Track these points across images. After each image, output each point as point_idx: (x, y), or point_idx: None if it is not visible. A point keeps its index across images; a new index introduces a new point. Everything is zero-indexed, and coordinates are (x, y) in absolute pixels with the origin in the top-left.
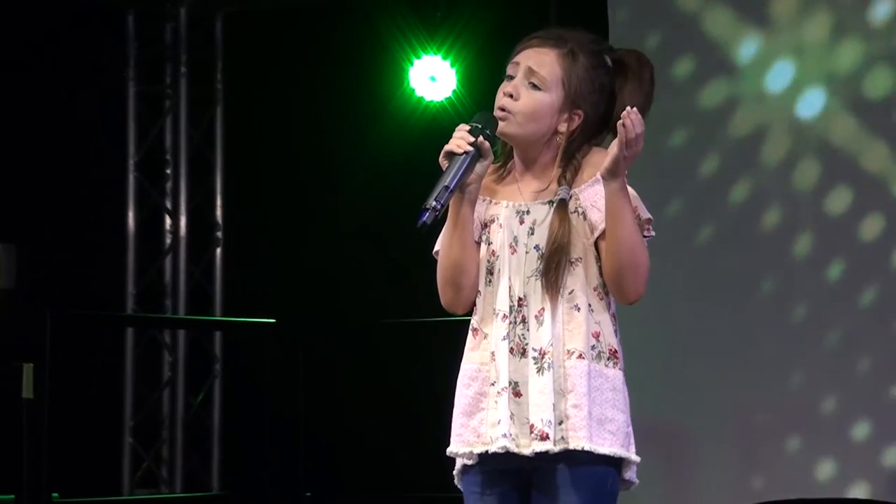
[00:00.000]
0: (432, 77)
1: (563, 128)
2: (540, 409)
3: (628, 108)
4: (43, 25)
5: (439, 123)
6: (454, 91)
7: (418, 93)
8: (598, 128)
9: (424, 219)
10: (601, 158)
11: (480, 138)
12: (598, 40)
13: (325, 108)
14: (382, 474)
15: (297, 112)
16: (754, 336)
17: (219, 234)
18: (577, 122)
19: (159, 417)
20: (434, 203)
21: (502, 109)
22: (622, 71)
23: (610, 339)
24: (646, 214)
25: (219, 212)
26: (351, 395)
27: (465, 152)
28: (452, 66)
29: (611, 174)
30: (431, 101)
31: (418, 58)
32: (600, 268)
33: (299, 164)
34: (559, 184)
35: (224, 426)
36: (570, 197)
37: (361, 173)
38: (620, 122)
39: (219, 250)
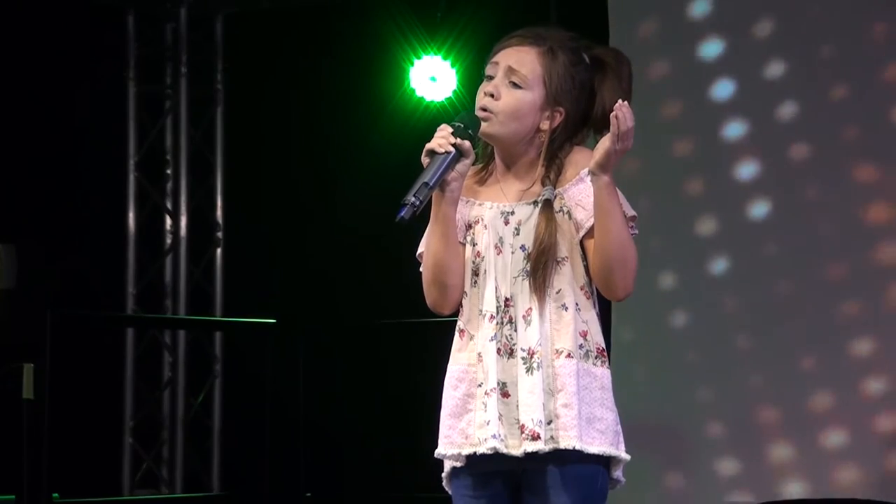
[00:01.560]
0: (433, 77)
1: (544, 126)
2: (530, 409)
3: (620, 101)
4: (43, 25)
5: (440, 124)
6: (454, 91)
7: (419, 93)
8: (579, 125)
9: (403, 214)
10: (584, 157)
11: (461, 140)
12: (576, 37)
13: (325, 108)
14: (382, 474)
15: (297, 112)
16: (755, 334)
17: (219, 234)
18: (558, 119)
19: (159, 418)
20: (413, 199)
21: (484, 110)
22: (601, 68)
23: (597, 338)
24: (630, 212)
25: (219, 212)
26: (351, 396)
27: (447, 152)
28: (453, 66)
29: (601, 168)
30: (432, 102)
31: (419, 58)
32: (586, 266)
33: (299, 165)
34: (543, 184)
35: (224, 426)
36: (555, 197)
37: (362, 173)
38: (613, 114)
39: (219, 250)
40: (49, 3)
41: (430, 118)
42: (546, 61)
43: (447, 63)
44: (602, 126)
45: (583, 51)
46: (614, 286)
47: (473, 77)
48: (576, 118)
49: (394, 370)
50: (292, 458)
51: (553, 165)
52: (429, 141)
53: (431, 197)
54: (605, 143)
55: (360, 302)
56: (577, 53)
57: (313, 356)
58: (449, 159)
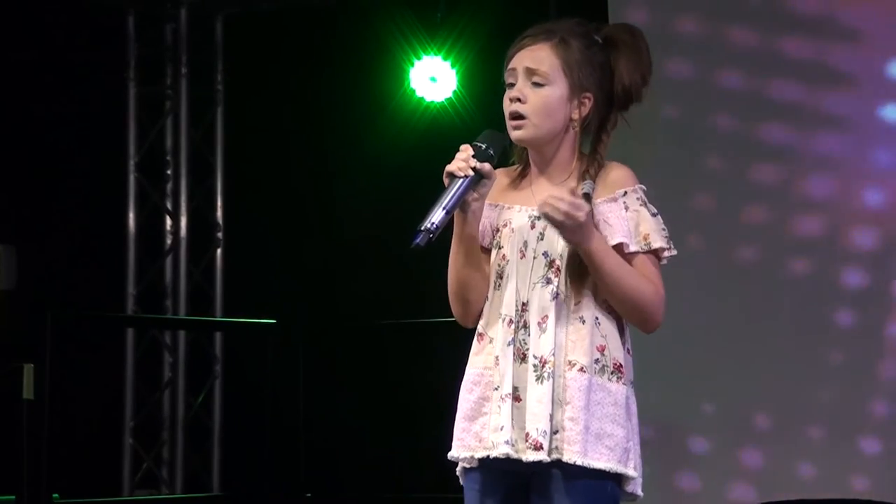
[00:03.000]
0: (433, 78)
1: (575, 115)
2: (536, 419)
3: (542, 203)
4: (43, 26)
5: (440, 124)
6: (454, 92)
7: (419, 93)
8: (608, 108)
9: (419, 241)
10: (620, 175)
11: (481, 164)
12: (583, 22)
13: (325, 108)
14: (383, 475)
15: (297, 113)
16: (754, 337)
17: (219, 234)
18: (588, 105)
19: (160, 418)
20: (428, 225)
21: (515, 117)
22: (614, 45)
23: (616, 353)
24: (658, 243)
25: (219, 212)
26: (351, 396)
27: (466, 175)
28: (453, 66)
29: (575, 245)
30: (432, 102)
31: (419, 58)
32: None
33: (299, 165)
34: (582, 178)
35: (224, 427)
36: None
37: (362, 174)
38: (544, 211)
39: (219, 251)
40: (49, 3)
41: (431, 119)
42: (561, 52)
43: (447, 63)
44: (626, 103)
45: (593, 33)
46: (639, 326)
47: (474, 78)
48: (603, 101)
49: (394, 370)
50: (292, 458)
51: (594, 161)
52: (431, 140)
53: (453, 216)
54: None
55: (359, 302)
56: (588, 37)
57: (313, 356)
58: (468, 182)
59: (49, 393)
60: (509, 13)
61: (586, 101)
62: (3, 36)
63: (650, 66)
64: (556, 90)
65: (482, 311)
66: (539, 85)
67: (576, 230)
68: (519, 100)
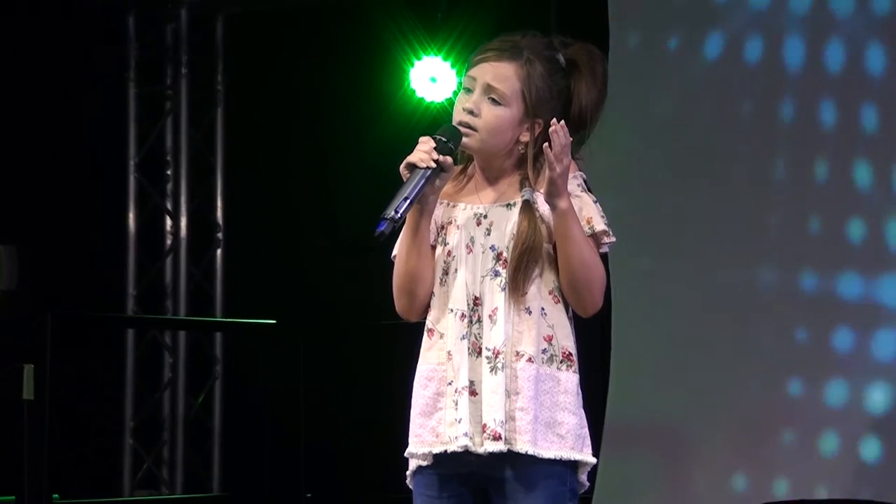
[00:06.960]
0: (433, 78)
1: (525, 137)
2: (493, 409)
3: (553, 121)
4: (44, 27)
5: (440, 124)
6: (454, 92)
7: (419, 94)
8: None
9: (382, 228)
10: None
11: (443, 157)
12: (550, 43)
13: (325, 109)
14: (383, 475)
15: (297, 113)
16: (753, 336)
17: (219, 235)
18: (538, 130)
19: (160, 418)
20: (393, 213)
21: (465, 126)
22: (575, 68)
23: (564, 343)
24: (601, 226)
25: (219, 213)
26: (351, 396)
27: (427, 167)
28: (453, 67)
29: (552, 196)
30: (432, 103)
31: (419, 59)
32: (558, 271)
33: (299, 165)
34: (522, 185)
35: (224, 427)
36: (535, 202)
37: (362, 174)
38: (547, 144)
39: (219, 251)
40: (49, 4)
41: (431, 119)
42: (524, 74)
43: (447, 64)
44: (579, 125)
45: (559, 52)
46: (581, 305)
47: None
48: None
49: (393, 371)
50: (292, 459)
51: (533, 170)
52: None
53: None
54: (546, 173)
55: (359, 302)
56: (553, 62)
57: (313, 356)
58: (429, 174)
59: (49, 393)
60: (510, 13)
61: (537, 126)
62: (3, 36)
63: (604, 89)
64: (510, 112)
65: (427, 306)
66: (496, 103)
67: (564, 174)
68: (472, 112)
